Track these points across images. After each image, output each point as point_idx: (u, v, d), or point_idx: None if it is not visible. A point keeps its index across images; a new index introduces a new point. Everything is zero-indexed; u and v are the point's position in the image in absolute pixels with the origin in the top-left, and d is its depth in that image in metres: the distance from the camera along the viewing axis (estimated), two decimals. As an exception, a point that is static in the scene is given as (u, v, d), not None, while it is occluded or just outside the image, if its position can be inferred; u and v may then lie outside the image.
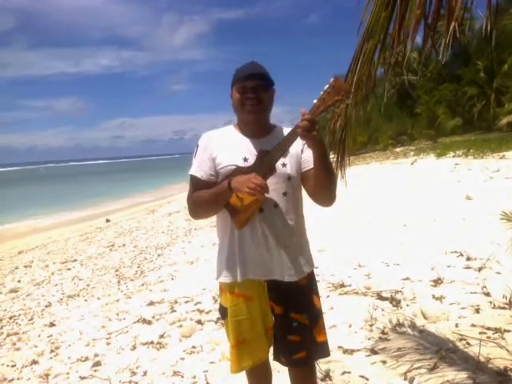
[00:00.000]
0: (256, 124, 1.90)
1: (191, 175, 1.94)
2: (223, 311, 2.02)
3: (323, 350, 1.96)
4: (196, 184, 1.93)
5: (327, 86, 1.65)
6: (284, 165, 1.85)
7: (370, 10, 1.97)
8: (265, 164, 1.77)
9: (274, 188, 1.83)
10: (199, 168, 1.93)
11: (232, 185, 1.77)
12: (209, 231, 8.46)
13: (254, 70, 1.85)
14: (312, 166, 1.83)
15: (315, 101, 1.67)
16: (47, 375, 3.47)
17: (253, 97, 1.83)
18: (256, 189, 1.69)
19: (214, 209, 1.91)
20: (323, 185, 1.80)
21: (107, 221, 14.40)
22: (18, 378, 3.50)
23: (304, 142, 1.80)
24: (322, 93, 1.66)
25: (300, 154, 1.90)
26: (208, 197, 1.86)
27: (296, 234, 1.93)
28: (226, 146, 1.91)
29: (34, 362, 3.75)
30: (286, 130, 1.90)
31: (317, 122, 1.65)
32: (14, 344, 4.29)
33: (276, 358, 2.01)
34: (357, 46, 2.07)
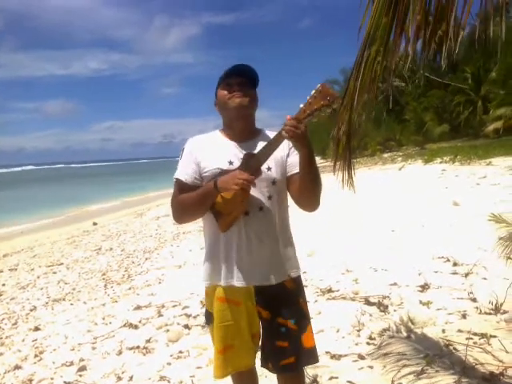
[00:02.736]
0: (241, 121, 1.89)
1: (176, 178, 1.93)
2: (209, 316, 2.01)
3: (312, 356, 1.93)
4: (180, 187, 1.91)
5: (314, 91, 1.68)
6: (269, 168, 1.85)
7: (369, 15, 1.97)
8: (250, 166, 1.76)
9: (260, 191, 1.84)
10: (184, 171, 1.92)
11: (218, 184, 1.77)
12: (197, 235, 8.42)
13: (240, 68, 1.85)
14: (297, 170, 1.84)
15: (301, 105, 1.69)
16: (31, 380, 3.42)
17: (239, 89, 1.84)
18: (243, 184, 1.69)
19: (199, 211, 1.89)
20: (308, 188, 1.81)
21: (94, 224, 14.28)
22: (1, 384, 3.44)
23: (290, 146, 1.82)
24: (308, 98, 1.68)
25: (285, 158, 1.90)
26: (193, 198, 1.85)
27: (281, 237, 1.92)
28: (210, 150, 1.91)
29: (18, 367, 3.69)
30: (271, 134, 1.92)
31: (303, 122, 1.67)
32: (-3, 349, 4.22)
33: (263, 364, 1.97)
34: (357, 52, 2.08)
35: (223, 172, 1.83)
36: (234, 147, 1.90)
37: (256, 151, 1.80)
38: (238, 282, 1.87)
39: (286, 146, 1.82)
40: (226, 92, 1.86)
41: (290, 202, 1.96)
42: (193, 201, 1.85)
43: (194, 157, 1.92)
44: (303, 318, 1.94)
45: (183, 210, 1.92)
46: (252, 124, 1.97)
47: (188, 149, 1.96)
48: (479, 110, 26.29)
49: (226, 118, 1.94)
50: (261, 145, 1.82)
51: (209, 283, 1.95)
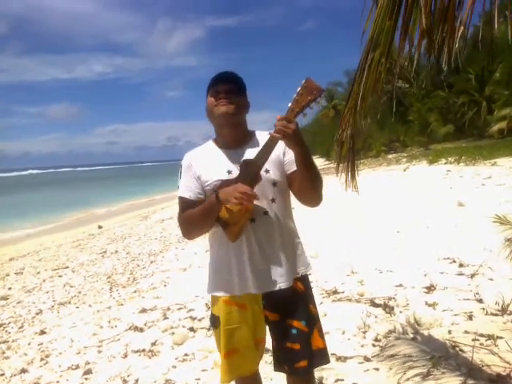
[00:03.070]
0: (230, 128, 1.89)
1: (180, 197, 1.94)
2: (214, 320, 1.99)
3: (323, 357, 1.93)
4: (185, 205, 1.91)
5: (299, 88, 1.69)
6: (267, 171, 1.84)
7: (373, 19, 1.97)
8: (249, 173, 1.76)
9: (262, 195, 1.83)
10: (186, 188, 1.92)
11: (220, 196, 1.76)
12: (202, 238, 8.43)
13: (226, 75, 1.86)
14: (296, 168, 1.83)
15: (289, 104, 1.70)
16: (37, 384, 3.43)
17: (225, 97, 1.83)
18: (243, 198, 1.68)
19: (205, 225, 1.88)
20: (307, 185, 1.81)
21: (99, 227, 14.32)
22: (7, 387, 3.46)
23: (284, 144, 1.81)
24: (295, 95, 1.69)
25: (282, 158, 1.90)
26: (198, 213, 1.84)
27: (289, 238, 1.93)
28: (207, 163, 1.91)
29: (24, 371, 3.71)
30: (263, 134, 1.92)
31: (293, 121, 1.67)
32: (4, 352, 4.24)
33: (279, 368, 1.95)
34: (361, 55, 2.08)
35: (224, 182, 1.82)
36: (229, 155, 1.90)
37: (252, 156, 1.79)
38: (254, 290, 1.86)
39: (281, 145, 1.81)
40: (213, 99, 1.86)
41: (294, 200, 1.96)
42: (198, 216, 1.84)
43: (193, 172, 1.92)
44: (313, 320, 1.93)
45: (190, 226, 1.91)
46: (242, 130, 1.95)
47: (186, 165, 1.96)
48: (484, 110, 26.19)
49: (216, 126, 1.94)
50: (254, 149, 1.82)
51: (223, 294, 1.92)
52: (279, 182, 1.88)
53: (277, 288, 1.87)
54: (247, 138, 1.95)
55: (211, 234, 1.96)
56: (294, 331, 1.87)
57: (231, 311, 1.91)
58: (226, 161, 1.88)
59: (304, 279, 1.97)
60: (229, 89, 1.84)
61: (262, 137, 1.90)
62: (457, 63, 1.76)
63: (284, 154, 1.90)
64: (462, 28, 1.68)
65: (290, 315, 1.89)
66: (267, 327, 1.97)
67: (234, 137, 1.91)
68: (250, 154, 1.83)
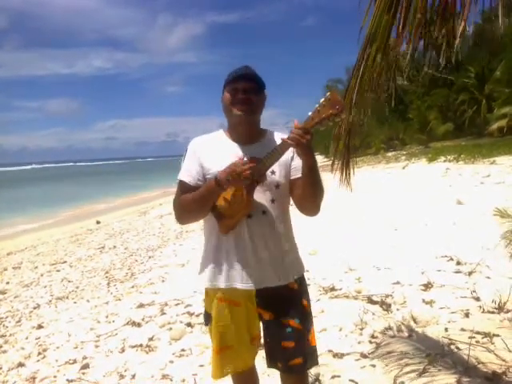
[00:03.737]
0: (245, 127, 1.87)
1: (179, 180, 1.92)
2: (207, 317, 2.00)
3: (316, 356, 1.94)
4: (184, 189, 1.90)
5: (323, 99, 1.65)
6: (273, 172, 1.84)
7: (371, 14, 1.96)
8: (255, 170, 1.74)
9: (263, 195, 1.83)
10: (187, 173, 1.91)
11: (219, 178, 1.74)
12: (200, 234, 8.41)
13: (246, 72, 1.84)
14: (300, 175, 1.82)
15: (310, 113, 1.67)
16: (34, 378, 3.43)
17: (243, 97, 1.81)
18: (248, 173, 1.68)
19: (201, 210, 1.87)
20: (309, 195, 1.81)
21: (98, 222, 14.31)
22: (4, 382, 3.46)
23: (294, 150, 1.80)
24: (317, 106, 1.66)
25: (290, 162, 1.89)
26: (195, 197, 1.83)
27: (284, 240, 1.91)
28: (214, 152, 1.89)
29: (21, 365, 3.71)
30: (277, 135, 1.91)
31: (310, 131, 1.65)
32: (1, 346, 4.25)
33: (272, 365, 1.96)
34: (359, 50, 2.07)
35: None
36: (237, 149, 1.88)
37: (260, 154, 1.77)
38: (240, 284, 1.86)
39: (291, 149, 1.79)
40: (230, 96, 1.84)
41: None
42: (194, 200, 1.83)
43: (198, 158, 1.90)
44: (307, 318, 1.93)
45: (185, 210, 1.90)
46: (256, 127, 1.94)
47: (191, 149, 1.95)
48: (483, 108, 26.16)
49: (230, 122, 1.92)
50: (265, 147, 1.80)
51: (210, 285, 1.93)
52: (282, 184, 1.88)
53: (267, 285, 1.86)
54: (259, 136, 1.94)
55: (206, 225, 1.96)
56: (289, 330, 1.87)
57: (223, 309, 1.91)
58: (233, 154, 1.86)
59: (299, 280, 1.96)
60: (248, 87, 1.82)
61: (276, 138, 1.90)
62: (456, 60, 1.76)
63: (292, 159, 1.89)
64: (462, 25, 1.68)
65: (284, 314, 1.88)
66: (261, 324, 1.96)
67: (247, 133, 1.90)
68: (259, 152, 1.80)
